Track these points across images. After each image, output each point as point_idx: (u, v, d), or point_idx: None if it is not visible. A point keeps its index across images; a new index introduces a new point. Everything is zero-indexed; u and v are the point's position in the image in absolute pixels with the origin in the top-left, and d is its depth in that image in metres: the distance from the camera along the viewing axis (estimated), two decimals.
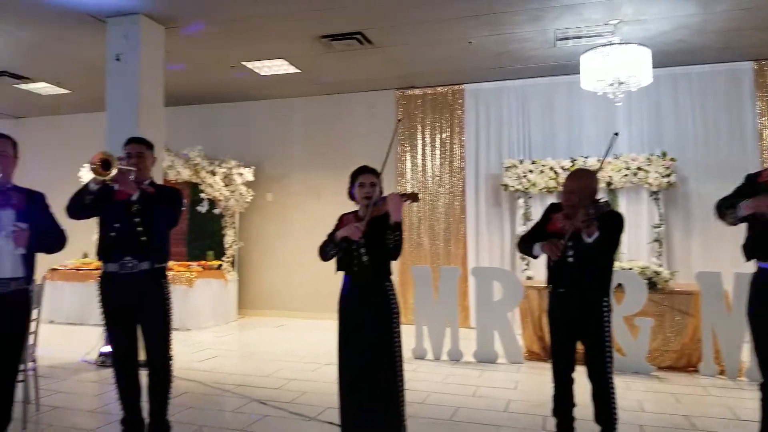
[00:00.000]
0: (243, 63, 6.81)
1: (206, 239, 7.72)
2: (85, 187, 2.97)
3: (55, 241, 3.00)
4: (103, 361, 5.03)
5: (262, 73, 7.14)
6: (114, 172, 2.88)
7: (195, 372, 4.72)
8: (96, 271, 7.44)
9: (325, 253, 3.08)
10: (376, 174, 3.15)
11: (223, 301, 7.46)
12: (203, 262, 7.41)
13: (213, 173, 7.64)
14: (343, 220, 3.17)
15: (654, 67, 5.64)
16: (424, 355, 5.35)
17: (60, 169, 8.29)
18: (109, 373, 4.77)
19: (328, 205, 7.92)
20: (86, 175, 7.87)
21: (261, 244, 8.22)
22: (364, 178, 3.11)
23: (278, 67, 6.93)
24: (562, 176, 6.71)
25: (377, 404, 2.88)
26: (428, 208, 7.59)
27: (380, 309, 2.97)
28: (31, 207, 2.93)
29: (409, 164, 7.74)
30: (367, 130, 7.85)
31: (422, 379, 4.62)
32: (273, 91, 7.97)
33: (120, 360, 3.10)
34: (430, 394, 4.17)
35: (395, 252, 2.97)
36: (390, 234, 2.93)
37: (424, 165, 7.68)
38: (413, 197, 3.05)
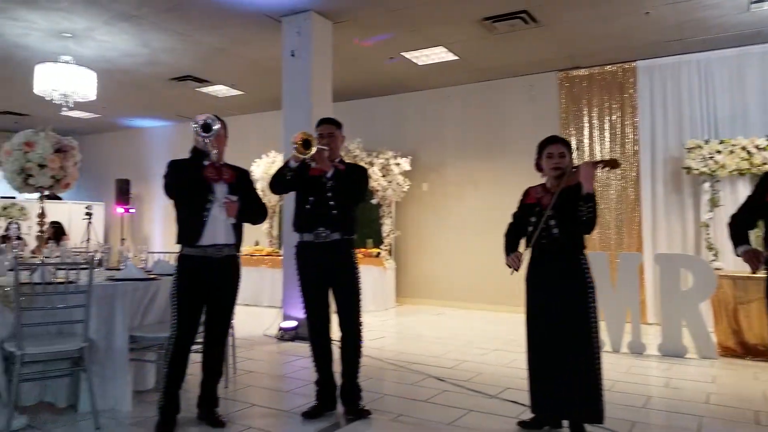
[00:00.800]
0: (401, 53, 7.06)
1: (365, 227, 8.12)
2: (286, 165, 3.30)
3: (258, 213, 3.39)
4: (283, 335, 5.52)
5: (420, 63, 7.35)
6: (313, 150, 3.16)
7: (366, 349, 4.98)
8: (267, 257, 8.26)
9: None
10: (566, 144, 3.11)
11: (382, 288, 7.80)
12: (363, 250, 7.80)
13: (371, 164, 8.02)
14: (529, 193, 3.18)
15: None
16: (600, 347, 5.12)
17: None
18: (289, 346, 5.30)
19: (486, 194, 7.97)
20: (256, 169, 8.69)
21: (417, 233, 8.46)
22: (553, 148, 3.09)
23: (436, 55, 7.08)
24: (758, 156, 6.06)
25: (576, 386, 2.85)
26: (598, 195, 7.26)
27: (575, 285, 2.93)
28: (240, 182, 3.32)
29: (574, 150, 7.48)
30: (526, 115, 7.75)
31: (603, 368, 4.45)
32: (429, 81, 8.17)
33: (315, 323, 3.38)
34: (616, 383, 4.01)
35: (589, 225, 2.91)
36: (583, 205, 2.89)
37: (591, 150, 7.37)
38: (612, 164, 2.96)
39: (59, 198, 11.06)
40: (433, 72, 7.72)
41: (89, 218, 10.04)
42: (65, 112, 9.62)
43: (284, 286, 5.88)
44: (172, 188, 3.15)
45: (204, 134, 3.03)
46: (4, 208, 7.81)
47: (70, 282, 3.37)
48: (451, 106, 8.36)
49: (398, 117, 8.73)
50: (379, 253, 7.88)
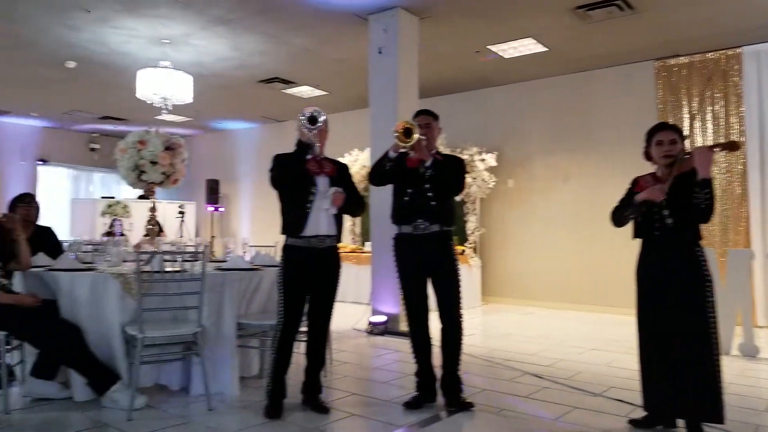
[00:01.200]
0: (488, 47, 7.00)
1: None
2: (385, 155, 3.37)
3: (357, 205, 3.47)
4: (372, 329, 5.62)
5: (506, 56, 7.26)
6: (415, 139, 3.21)
7: None
8: (351, 254, 8.42)
9: (621, 218, 3.02)
10: (677, 131, 2.99)
11: (468, 286, 7.76)
12: None
13: None
14: (639, 183, 3.07)
15: None
16: (719, 342, 4.89)
17: None
18: (379, 340, 5.39)
19: (576, 189, 7.76)
20: None
21: (502, 230, 8.36)
22: (663, 135, 2.98)
23: (524, 47, 6.97)
24: None
25: (694, 384, 2.74)
26: None
27: (691, 278, 2.81)
28: (340, 175, 3.42)
29: None
30: (619, 106, 7.48)
31: None
32: (514, 75, 8.06)
33: (414, 315, 3.42)
34: (730, 385, 3.78)
35: (706, 213, 2.79)
36: (699, 192, 2.77)
37: (692, 142, 7.01)
38: (730, 146, 2.82)
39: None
40: (519, 65, 7.60)
41: (182, 216, 10.63)
42: (159, 116, 10.24)
43: (372, 281, 5.98)
44: (277, 181, 3.29)
45: (310, 126, 3.14)
46: (109, 206, 8.40)
47: (183, 271, 3.61)
48: (537, 99, 8.20)
49: (482, 112, 8.66)
50: (464, 251, 7.85)
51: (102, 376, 3.31)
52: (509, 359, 4.61)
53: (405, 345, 5.09)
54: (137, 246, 6.71)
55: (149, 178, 4.24)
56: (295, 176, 3.24)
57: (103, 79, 8.52)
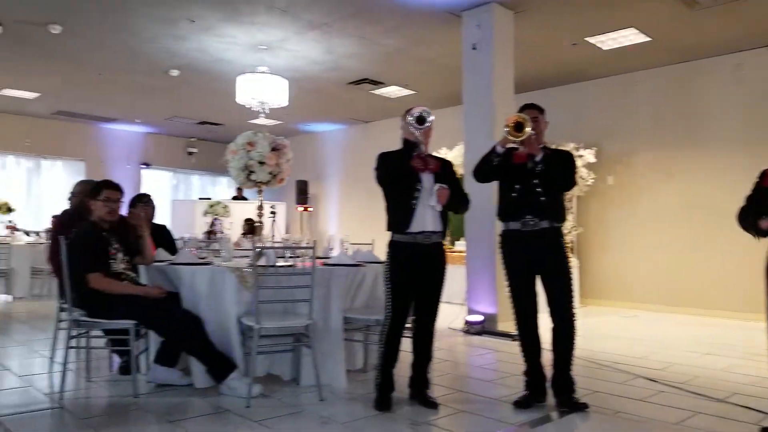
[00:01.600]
0: (585, 39, 6.81)
1: None
2: (492, 150, 3.37)
3: (462, 202, 3.49)
4: (468, 329, 5.61)
5: (605, 48, 7.04)
6: (527, 133, 3.19)
7: None
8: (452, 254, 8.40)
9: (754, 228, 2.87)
10: None
11: None
12: None
13: None
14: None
15: None
16: None
17: None
18: (477, 339, 5.38)
19: (683, 186, 7.40)
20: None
21: (601, 230, 8.09)
22: None
23: (624, 38, 6.73)
24: None
25: None
26: None
27: None
28: (444, 171, 3.45)
29: None
30: (731, 98, 7.05)
31: None
32: (613, 67, 7.79)
33: (523, 313, 3.40)
34: None
35: None
36: None
37: None
38: None
39: (245, 198, 12.34)
40: (619, 56, 7.34)
41: (273, 216, 11.04)
42: (252, 120, 10.73)
43: (468, 281, 5.97)
44: (383, 178, 3.37)
45: (418, 126, 3.20)
46: (211, 206, 8.89)
47: (292, 266, 3.78)
48: (639, 92, 7.88)
49: (579, 106, 8.42)
50: None
51: (220, 365, 3.52)
52: (617, 362, 4.47)
53: (504, 345, 5.10)
54: (237, 244, 7.08)
55: (257, 178, 4.46)
56: (401, 173, 3.31)
57: (203, 85, 9.03)
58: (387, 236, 3.40)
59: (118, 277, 3.64)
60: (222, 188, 14.37)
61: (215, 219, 8.83)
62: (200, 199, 12.31)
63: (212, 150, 13.64)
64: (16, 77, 8.85)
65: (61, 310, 4.23)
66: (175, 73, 8.39)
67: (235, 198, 12.12)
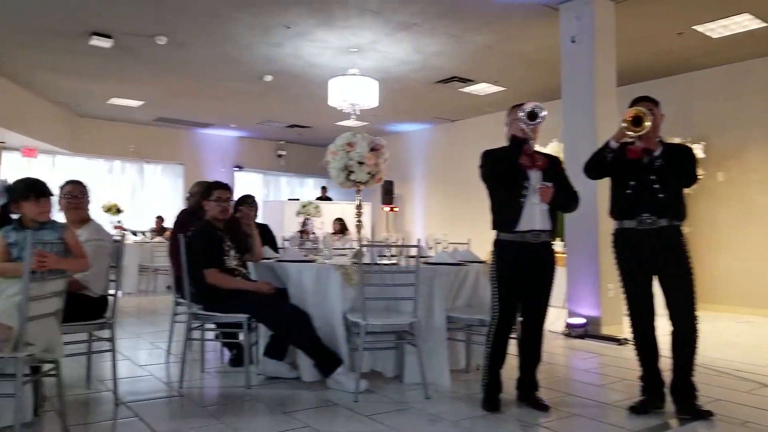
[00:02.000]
0: (693, 27, 6.47)
1: None
2: (606, 146, 3.28)
3: (570, 200, 3.42)
4: (570, 332, 5.47)
5: (714, 36, 6.66)
6: (646, 127, 3.08)
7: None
8: None
9: None
10: None
11: None
12: None
13: None
14: None
15: None
16: None
17: None
18: (579, 343, 5.25)
19: None
20: None
21: (711, 229, 7.65)
22: None
23: (737, 24, 6.34)
24: None
25: None
26: None
27: None
28: (552, 168, 3.39)
29: None
30: None
31: None
32: (723, 56, 7.35)
33: (639, 315, 3.28)
34: None
35: None
36: None
37: None
38: None
39: (329, 198, 12.66)
40: (730, 44, 6.92)
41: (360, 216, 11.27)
42: (339, 122, 10.99)
43: (568, 282, 5.82)
44: (488, 176, 3.36)
45: (529, 122, 3.17)
46: (303, 206, 9.19)
47: (395, 264, 3.84)
48: (752, 82, 7.40)
49: (686, 99, 7.98)
50: None
51: (327, 359, 3.63)
52: (738, 369, 4.21)
53: (609, 349, 4.95)
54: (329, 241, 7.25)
55: (357, 178, 4.55)
56: (508, 171, 3.28)
57: (295, 89, 9.35)
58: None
59: (232, 273, 3.85)
60: (309, 189, 14.81)
61: (306, 219, 9.11)
62: (289, 200, 12.76)
63: (300, 152, 14.09)
64: (124, 87, 9.53)
65: (177, 304, 4.53)
66: (268, 78, 8.74)
67: (319, 198, 12.46)
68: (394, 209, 12.24)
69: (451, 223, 11.01)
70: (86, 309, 3.26)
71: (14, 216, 2.72)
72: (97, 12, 6.35)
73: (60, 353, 2.67)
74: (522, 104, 3.22)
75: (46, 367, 2.84)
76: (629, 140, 3.23)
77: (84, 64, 8.20)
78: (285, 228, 11.05)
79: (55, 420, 2.98)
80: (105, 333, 3.41)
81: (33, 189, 2.66)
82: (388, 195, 12.07)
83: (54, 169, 11.59)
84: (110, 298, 3.44)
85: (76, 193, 3.45)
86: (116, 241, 3.54)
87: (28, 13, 6.37)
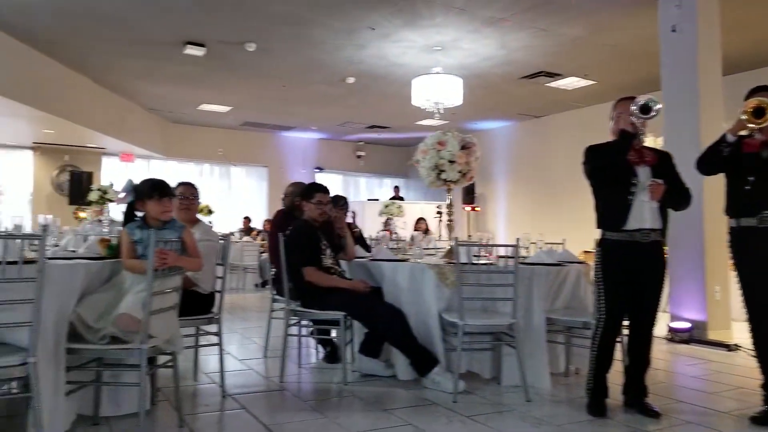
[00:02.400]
0: None
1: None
2: (722, 139, 3.10)
3: (682, 198, 3.25)
4: (673, 336, 5.22)
5: None
6: None
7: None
8: None
9: None
10: None
11: None
12: None
13: None
14: None
15: None
16: None
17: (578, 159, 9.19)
18: (684, 348, 5.01)
19: None
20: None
21: None
22: None
23: None
24: None
25: None
26: None
27: None
28: (662, 164, 3.24)
29: None
30: None
31: None
32: None
33: (760, 318, 3.08)
34: None
35: None
36: None
37: None
38: None
39: (402, 198, 12.70)
40: None
41: (440, 216, 11.25)
42: (419, 122, 10.99)
43: (671, 284, 5.55)
44: (593, 172, 3.25)
45: (642, 116, 3.04)
46: (386, 206, 9.29)
47: (491, 264, 3.81)
48: None
49: None
50: None
51: (424, 359, 3.64)
52: None
53: (717, 355, 4.69)
54: (410, 243, 7.28)
55: (447, 177, 4.55)
56: (615, 167, 3.17)
57: (377, 90, 9.46)
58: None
59: (328, 271, 3.94)
60: (386, 189, 14.95)
61: (389, 218, 9.20)
62: (368, 200, 12.92)
63: (378, 153, 14.24)
64: (213, 93, 9.99)
65: (274, 300, 4.69)
66: (351, 80, 8.90)
67: (392, 198, 12.53)
68: (476, 209, 12.13)
69: (536, 222, 10.76)
70: (196, 305, 3.44)
71: (139, 214, 2.91)
72: (192, 22, 6.69)
73: (179, 346, 2.83)
74: (633, 97, 3.09)
75: (162, 359, 3.02)
76: (746, 133, 3.05)
77: (177, 73, 8.66)
78: (366, 228, 11.23)
79: (169, 409, 3.17)
80: (212, 327, 3.58)
81: (157, 188, 2.83)
82: (469, 194, 11.98)
83: (149, 173, 12.32)
84: (216, 295, 3.62)
85: (187, 194, 3.65)
86: (222, 240, 3.72)
87: (128, 25, 6.80)
